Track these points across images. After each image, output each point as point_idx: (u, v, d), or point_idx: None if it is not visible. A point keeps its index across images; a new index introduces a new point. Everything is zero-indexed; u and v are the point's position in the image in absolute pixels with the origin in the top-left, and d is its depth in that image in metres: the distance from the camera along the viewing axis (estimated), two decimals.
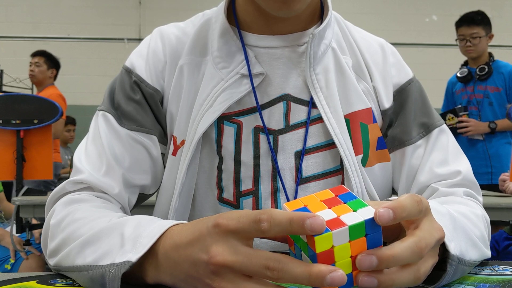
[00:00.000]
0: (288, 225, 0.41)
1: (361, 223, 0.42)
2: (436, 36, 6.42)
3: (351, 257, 0.43)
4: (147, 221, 0.55)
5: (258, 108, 0.77)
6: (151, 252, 0.51)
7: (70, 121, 4.92)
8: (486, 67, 3.13)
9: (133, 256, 0.50)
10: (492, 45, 3.23)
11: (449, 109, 3.18)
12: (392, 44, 0.90)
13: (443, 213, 0.57)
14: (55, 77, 4.13)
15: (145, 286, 0.53)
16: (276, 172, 0.77)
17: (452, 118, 3.11)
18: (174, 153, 0.79)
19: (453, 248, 0.53)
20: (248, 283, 0.43)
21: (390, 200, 0.48)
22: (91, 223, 0.61)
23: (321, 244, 0.41)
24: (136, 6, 6.55)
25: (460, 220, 0.60)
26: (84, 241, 0.58)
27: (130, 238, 0.53)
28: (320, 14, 0.83)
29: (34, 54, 4.16)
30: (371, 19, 6.27)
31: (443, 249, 0.53)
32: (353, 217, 0.43)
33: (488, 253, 0.65)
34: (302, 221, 0.41)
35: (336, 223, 0.42)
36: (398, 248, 0.43)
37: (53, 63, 4.11)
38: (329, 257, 0.42)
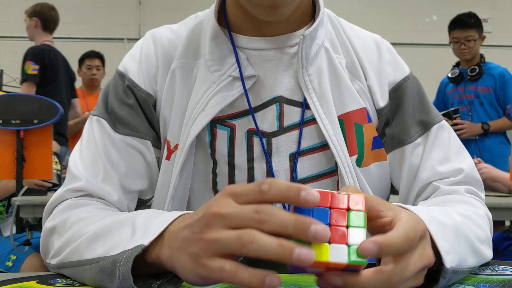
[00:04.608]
0: (285, 190, 0.44)
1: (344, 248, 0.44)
2: (436, 36, 6.40)
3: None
4: (158, 213, 0.56)
5: (251, 111, 0.76)
6: (159, 236, 0.52)
7: None
8: (477, 68, 3.17)
9: (145, 240, 0.51)
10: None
11: (443, 113, 3.18)
12: (392, 43, 0.89)
13: (448, 224, 0.56)
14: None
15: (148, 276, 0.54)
16: (270, 175, 0.76)
17: (447, 121, 3.12)
18: (168, 157, 0.78)
19: (449, 261, 0.52)
20: (233, 232, 0.45)
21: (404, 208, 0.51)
22: (99, 221, 0.62)
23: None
24: (136, 6, 6.55)
25: (465, 227, 0.60)
26: (93, 235, 0.58)
27: (141, 228, 0.54)
28: (312, 14, 0.81)
29: (92, 56, 4.04)
30: (371, 18, 6.26)
31: (439, 261, 0.52)
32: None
33: (489, 256, 0.65)
34: (299, 190, 0.44)
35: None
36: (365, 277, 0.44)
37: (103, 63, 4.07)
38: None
